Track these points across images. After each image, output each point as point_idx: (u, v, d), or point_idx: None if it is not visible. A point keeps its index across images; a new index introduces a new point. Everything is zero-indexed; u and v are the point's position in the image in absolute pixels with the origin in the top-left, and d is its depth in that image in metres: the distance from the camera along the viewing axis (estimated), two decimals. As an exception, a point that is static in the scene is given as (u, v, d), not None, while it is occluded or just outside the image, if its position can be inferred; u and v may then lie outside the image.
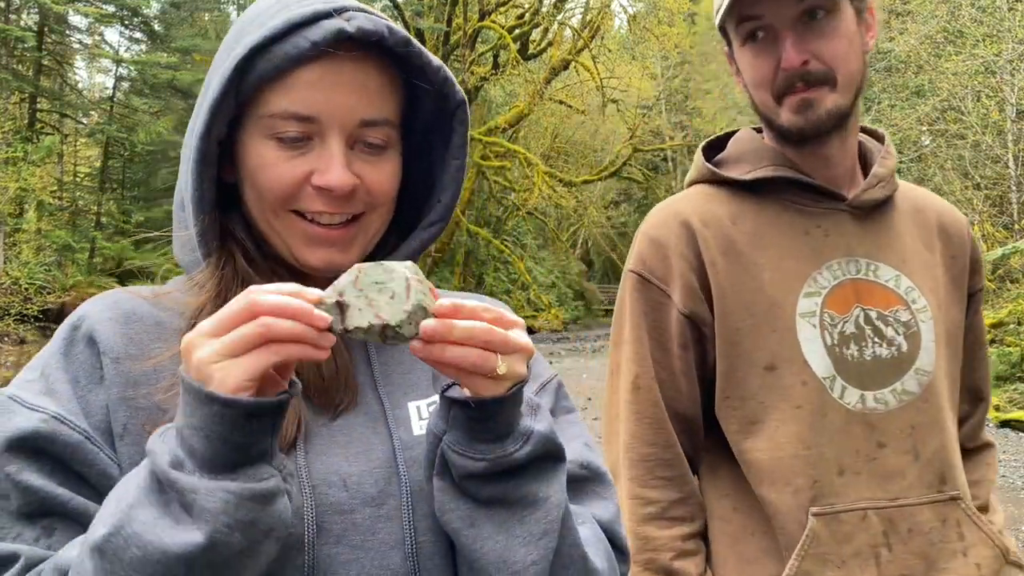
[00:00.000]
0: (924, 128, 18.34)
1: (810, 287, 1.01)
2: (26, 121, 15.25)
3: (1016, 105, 14.39)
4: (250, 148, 0.65)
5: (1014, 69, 14.33)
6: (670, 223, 1.07)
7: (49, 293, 13.02)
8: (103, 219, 15.86)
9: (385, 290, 0.52)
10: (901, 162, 19.57)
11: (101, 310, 0.66)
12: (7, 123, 14.30)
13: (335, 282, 0.53)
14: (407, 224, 0.75)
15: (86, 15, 15.29)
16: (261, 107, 0.63)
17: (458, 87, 0.70)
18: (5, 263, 13.06)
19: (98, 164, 17.38)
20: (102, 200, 16.07)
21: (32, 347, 11.49)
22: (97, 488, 0.60)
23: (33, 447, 0.59)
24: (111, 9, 15.39)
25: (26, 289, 12.67)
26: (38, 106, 15.60)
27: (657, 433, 1.05)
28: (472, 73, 19.89)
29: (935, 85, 16.46)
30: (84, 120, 17.42)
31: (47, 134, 15.83)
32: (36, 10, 15.04)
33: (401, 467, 0.64)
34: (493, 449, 0.58)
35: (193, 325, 0.57)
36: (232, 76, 0.61)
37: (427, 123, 0.73)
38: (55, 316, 12.88)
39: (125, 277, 14.77)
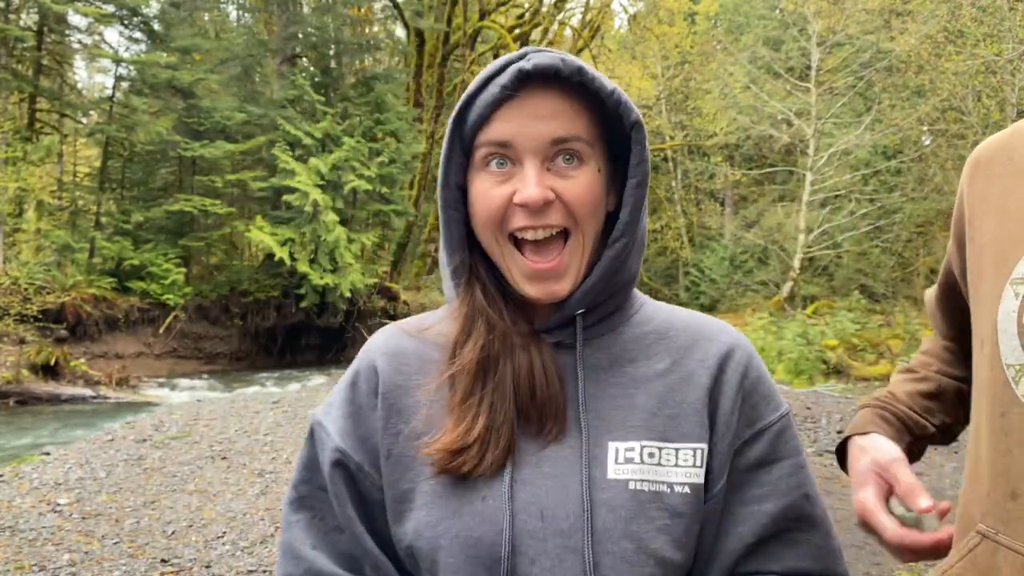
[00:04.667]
0: (925, 128, 18.35)
1: None
2: (25, 121, 15.23)
3: (1017, 105, 14.38)
4: (473, 185, 0.74)
5: (1015, 69, 14.32)
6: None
7: (48, 293, 13.00)
8: (102, 219, 15.82)
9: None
10: (901, 162, 19.62)
11: (379, 346, 0.81)
12: (7, 123, 14.29)
13: None
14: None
15: (86, 15, 15.25)
16: (477, 150, 0.73)
17: (633, 109, 0.73)
18: (4, 263, 13.05)
19: (97, 164, 17.35)
20: (101, 200, 16.04)
21: (31, 347, 11.47)
22: (363, 500, 0.77)
23: (336, 474, 0.77)
24: (111, 9, 15.35)
25: (25, 289, 12.65)
26: (37, 106, 15.58)
27: None
28: (472, 73, 19.89)
29: (936, 85, 16.46)
30: (83, 120, 17.40)
31: (46, 134, 15.81)
32: (36, 10, 15.01)
33: (586, 505, 0.69)
34: None
35: (452, 356, 0.74)
36: (452, 131, 0.74)
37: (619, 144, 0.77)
38: (54, 316, 12.86)
39: (124, 277, 14.77)
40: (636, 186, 0.74)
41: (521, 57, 0.71)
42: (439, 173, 0.76)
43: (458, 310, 0.76)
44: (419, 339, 0.80)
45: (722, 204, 29.60)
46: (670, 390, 0.74)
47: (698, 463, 0.72)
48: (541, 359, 0.73)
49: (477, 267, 0.77)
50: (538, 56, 0.70)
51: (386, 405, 0.76)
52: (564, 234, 0.73)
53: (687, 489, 0.71)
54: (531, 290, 0.73)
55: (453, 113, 0.74)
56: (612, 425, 0.72)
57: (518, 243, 0.73)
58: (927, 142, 18.95)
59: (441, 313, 0.82)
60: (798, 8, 20.15)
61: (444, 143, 0.75)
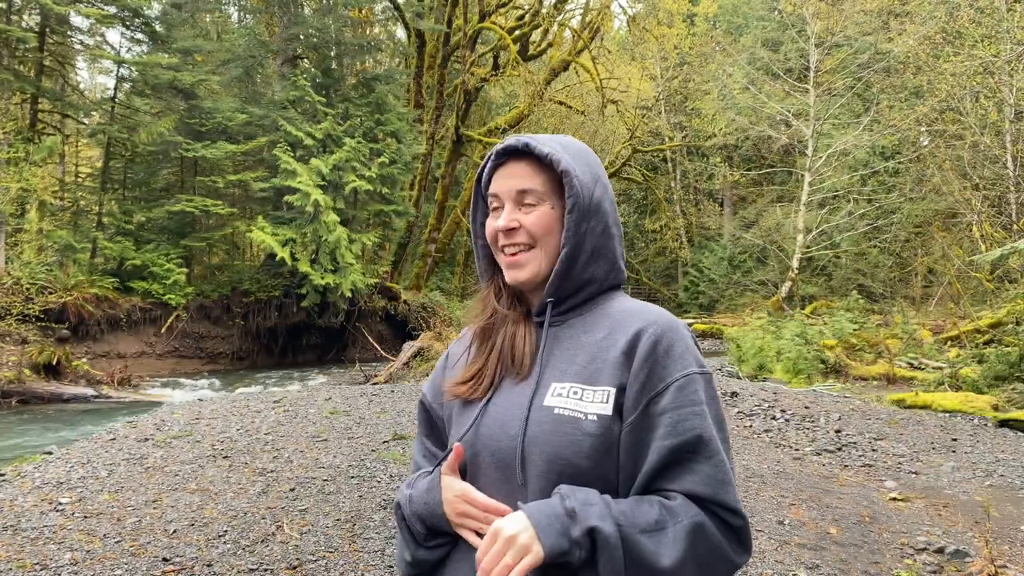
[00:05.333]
0: (923, 128, 18.36)
1: None
2: (28, 122, 15.24)
3: (1014, 106, 14.41)
4: (487, 219, 1.17)
5: (1012, 70, 14.34)
6: None
7: (51, 293, 13.03)
8: (104, 219, 15.84)
9: None
10: (899, 163, 19.62)
11: (464, 332, 1.26)
12: (9, 124, 14.31)
13: None
14: None
15: (87, 16, 15.27)
16: (487, 199, 1.17)
17: (560, 162, 1.09)
18: (7, 263, 13.08)
19: (99, 164, 17.37)
20: (103, 200, 16.06)
21: (33, 347, 11.50)
22: (433, 425, 1.25)
23: (419, 409, 1.28)
24: (112, 10, 15.37)
25: (28, 289, 12.68)
26: (39, 107, 15.59)
27: None
28: (472, 74, 19.90)
29: (934, 86, 16.48)
30: (85, 120, 17.43)
31: (48, 134, 15.83)
32: (37, 11, 15.04)
33: (528, 422, 1.04)
34: None
35: (470, 329, 1.21)
36: (476, 188, 1.19)
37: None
38: (56, 316, 12.89)
39: (126, 277, 14.79)
40: (569, 212, 1.09)
41: (497, 147, 1.14)
42: (470, 214, 1.21)
43: (481, 295, 1.21)
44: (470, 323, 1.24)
45: (721, 204, 29.60)
46: (600, 350, 1.06)
47: (606, 401, 1.02)
48: (524, 330, 1.13)
49: (496, 273, 1.19)
50: (509, 140, 1.12)
51: (448, 366, 1.24)
52: (530, 247, 1.11)
53: (595, 417, 1.01)
54: (507, 275, 1.13)
55: (476, 177, 1.19)
56: (556, 372, 1.07)
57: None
58: (925, 143, 18.96)
59: None
60: (797, 9, 20.17)
61: (472, 195, 1.20)
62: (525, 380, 1.09)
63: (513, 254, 1.11)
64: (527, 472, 1.03)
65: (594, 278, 1.11)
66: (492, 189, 1.13)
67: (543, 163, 1.11)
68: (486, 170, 1.15)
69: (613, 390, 1.02)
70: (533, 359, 1.10)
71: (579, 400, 1.03)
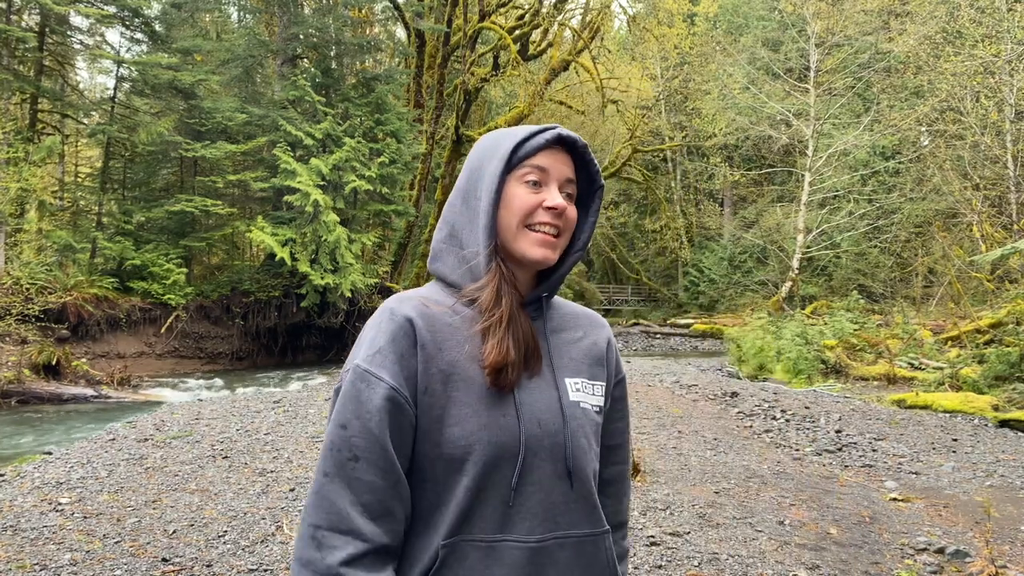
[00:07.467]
0: (923, 128, 18.36)
1: None
2: (27, 121, 15.23)
3: (1015, 106, 14.40)
4: (511, 192, 1.11)
5: (1013, 70, 14.34)
6: None
7: (50, 293, 13.02)
8: (104, 219, 15.83)
9: None
10: (900, 163, 19.61)
11: (410, 312, 1.08)
12: (8, 124, 14.30)
13: None
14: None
15: (87, 16, 15.27)
16: (520, 170, 1.12)
17: (600, 177, 1.18)
18: (6, 263, 13.07)
19: (99, 164, 17.37)
20: (103, 200, 16.05)
21: (33, 347, 11.50)
22: (405, 431, 1.03)
23: (385, 407, 1.02)
24: (112, 10, 15.36)
25: (27, 289, 12.67)
26: (39, 107, 15.58)
27: None
28: (472, 74, 19.90)
29: (934, 86, 16.48)
30: (85, 120, 17.41)
31: (48, 134, 15.82)
32: (37, 11, 15.03)
33: (566, 418, 1.10)
34: None
35: (489, 311, 1.07)
36: (508, 158, 1.10)
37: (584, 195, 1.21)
38: (56, 316, 12.89)
39: (126, 277, 14.79)
40: (591, 225, 1.19)
41: (554, 128, 1.13)
42: (493, 185, 1.11)
43: (489, 281, 1.10)
44: (439, 310, 1.11)
45: (721, 204, 29.60)
46: (587, 348, 1.20)
47: (601, 393, 1.19)
48: (527, 321, 1.12)
49: (499, 251, 1.12)
50: (569, 133, 1.14)
51: (424, 354, 1.05)
52: (559, 235, 1.13)
53: (597, 408, 1.17)
54: (536, 252, 1.10)
55: (507, 147, 1.12)
56: (564, 368, 1.15)
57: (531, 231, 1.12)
58: (925, 143, 18.97)
59: (429, 291, 1.15)
60: (797, 9, 20.17)
61: (496, 166, 1.12)
62: (539, 377, 1.11)
63: (552, 235, 1.11)
64: (573, 464, 1.11)
65: None
66: (540, 163, 1.11)
67: (580, 167, 1.17)
68: (533, 141, 1.12)
69: (604, 384, 1.20)
70: (538, 353, 1.12)
71: (589, 394, 1.16)
